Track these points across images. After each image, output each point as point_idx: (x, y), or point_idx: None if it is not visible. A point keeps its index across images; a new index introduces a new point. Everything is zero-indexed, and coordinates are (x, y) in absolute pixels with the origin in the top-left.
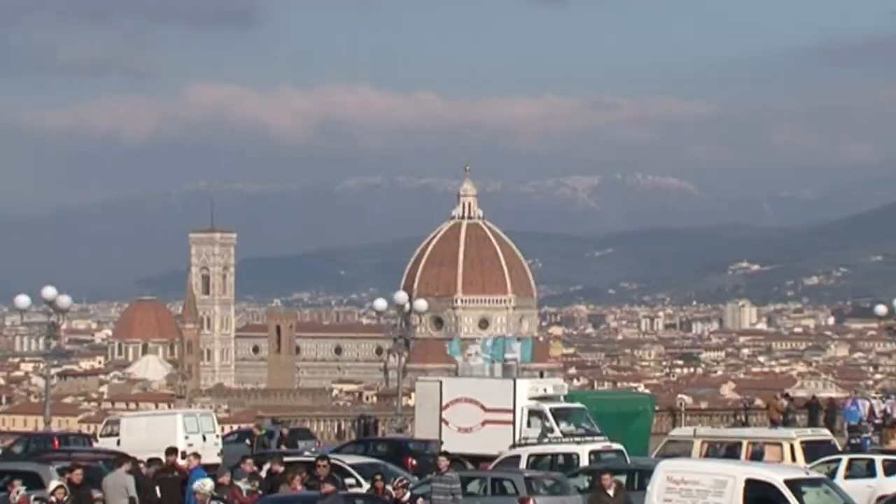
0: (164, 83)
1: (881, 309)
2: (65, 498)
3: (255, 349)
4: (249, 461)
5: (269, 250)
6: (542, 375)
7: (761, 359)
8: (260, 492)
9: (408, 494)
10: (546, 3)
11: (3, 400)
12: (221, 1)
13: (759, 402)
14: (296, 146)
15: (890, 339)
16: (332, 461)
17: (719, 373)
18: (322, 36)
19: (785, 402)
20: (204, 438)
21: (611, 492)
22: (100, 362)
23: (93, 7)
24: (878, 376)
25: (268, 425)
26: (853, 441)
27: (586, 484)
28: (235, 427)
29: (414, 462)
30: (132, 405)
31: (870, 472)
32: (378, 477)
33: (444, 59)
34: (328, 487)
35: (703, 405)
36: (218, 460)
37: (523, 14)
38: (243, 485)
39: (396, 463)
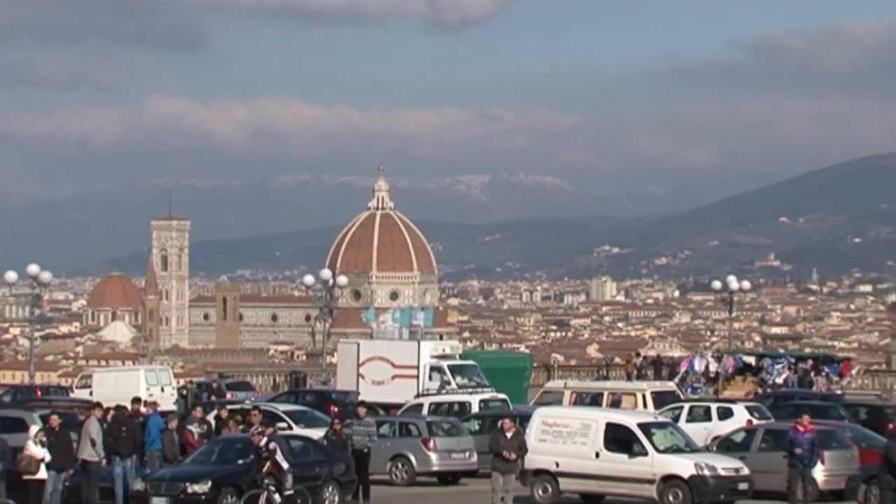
0: (127, 96)
1: (717, 284)
2: (44, 439)
3: (206, 316)
4: (199, 409)
5: (217, 235)
6: (441, 338)
7: (620, 324)
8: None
9: (264, 440)
10: (443, 32)
11: None
12: (175, 27)
13: (617, 359)
14: (238, 149)
15: (723, 308)
16: (267, 408)
17: (586, 336)
18: (259, 58)
19: (638, 360)
20: (162, 390)
21: (509, 434)
22: (76, 327)
23: (67, 31)
24: (713, 339)
25: (212, 377)
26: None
27: (476, 427)
28: (188, 380)
29: (336, 409)
30: (103, 362)
31: (706, 416)
32: (336, 421)
33: (359, 78)
34: (270, 430)
35: (573, 362)
36: (174, 408)
37: (425, 41)
38: (195, 429)
39: (321, 410)
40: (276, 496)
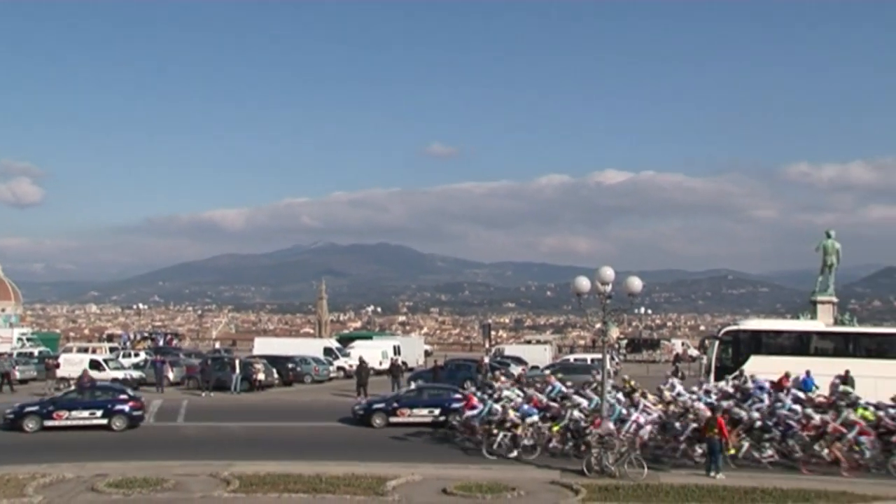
0: None
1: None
2: None
3: None
4: None
5: None
6: (24, 328)
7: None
8: None
9: None
10: (21, 207)
11: None
12: None
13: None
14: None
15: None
16: None
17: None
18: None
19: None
20: None
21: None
22: None
23: None
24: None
25: None
26: None
27: (37, 361)
28: None
29: None
30: None
31: None
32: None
33: (24, 226)
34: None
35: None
36: None
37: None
38: None
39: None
40: None
